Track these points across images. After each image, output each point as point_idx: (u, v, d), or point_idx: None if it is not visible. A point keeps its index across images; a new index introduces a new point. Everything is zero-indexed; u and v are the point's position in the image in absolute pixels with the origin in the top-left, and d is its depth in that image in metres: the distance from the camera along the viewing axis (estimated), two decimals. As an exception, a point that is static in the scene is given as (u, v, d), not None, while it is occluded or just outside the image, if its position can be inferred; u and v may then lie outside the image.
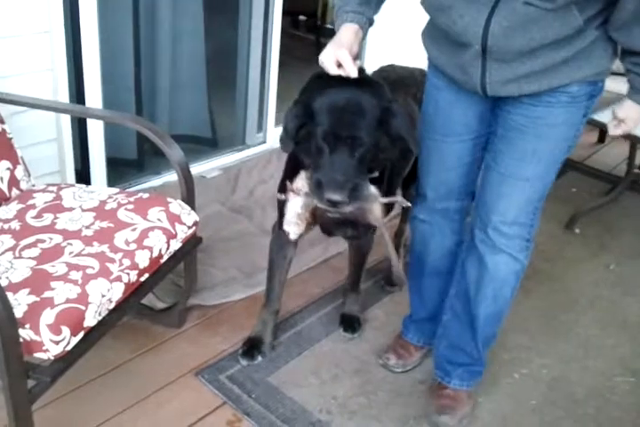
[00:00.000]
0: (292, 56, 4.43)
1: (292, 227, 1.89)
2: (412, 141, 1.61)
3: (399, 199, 1.73)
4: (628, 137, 2.94)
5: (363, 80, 1.56)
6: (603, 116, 2.26)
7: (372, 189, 1.62)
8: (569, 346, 2.26)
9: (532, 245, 1.77)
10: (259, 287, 2.29)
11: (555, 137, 1.61)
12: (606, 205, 3.23)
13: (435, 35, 1.63)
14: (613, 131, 1.67)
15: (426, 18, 1.65)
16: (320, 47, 5.38)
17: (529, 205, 1.69)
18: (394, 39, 3.61)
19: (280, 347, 2.09)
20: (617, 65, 1.64)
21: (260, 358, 2.03)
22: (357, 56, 1.56)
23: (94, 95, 2.43)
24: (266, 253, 2.33)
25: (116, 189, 1.92)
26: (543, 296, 2.41)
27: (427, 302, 2.04)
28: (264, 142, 3.35)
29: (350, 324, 2.20)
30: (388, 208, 1.80)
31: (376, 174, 1.67)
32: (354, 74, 1.51)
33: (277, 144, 3.33)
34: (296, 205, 1.80)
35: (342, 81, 1.53)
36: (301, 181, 1.70)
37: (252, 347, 2.03)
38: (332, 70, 1.51)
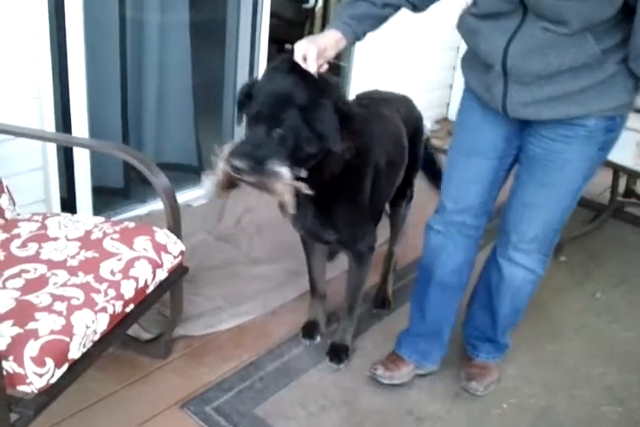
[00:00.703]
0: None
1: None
2: (331, 139, 1.68)
3: (300, 185, 1.73)
4: (610, 165, 2.98)
5: (315, 77, 1.66)
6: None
7: (283, 169, 1.65)
8: (556, 375, 2.25)
9: (549, 258, 1.94)
10: (245, 317, 2.28)
11: (571, 170, 1.74)
12: (591, 232, 3.26)
13: (467, 57, 1.80)
14: (638, 161, 1.77)
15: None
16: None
17: (547, 226, 1.85)
18: (379, 67, 3.67)
19: (267, 378, 2.06)
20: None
21: (319, 339, 2.24)
22: (334, 61, 1.72)
23: (81, 123, 2.43)
24: (252, 281, 2.36)
25: (101, 218, 1.91)
26: (530, 325, 2.41)
27: (427, 316, 2.07)
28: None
29: (337, 354, 2.18)
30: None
31: (303, 173, 1.73)
32: (312, 69, 1.62)
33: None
34: (220, 168, 1.79)
35: (290, 69, 1.65)
36: (227, 148, 1.73)
37: (310, 329, 2.25)
38: (298, 61, 1.63)
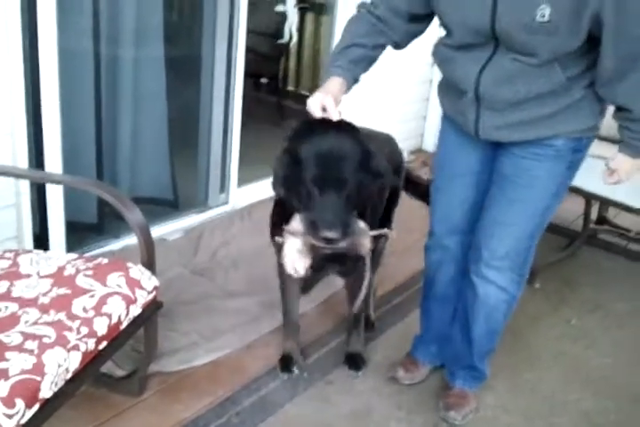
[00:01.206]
0: (254, 118, 4.49)
1: (298, 263, 1.90)
2: (388, 176, 1.81)
3: (386, 231, 1.90)
4: (582, 193, 3.03)
5: (342, 125, 1.73)
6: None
7: (362, 224, 1.74)
8: (534, 403, 2.25)
9: (524, 278, 1.98)
10: (220, 352, 2.26)
11: (539, 187, 1.81)
12: (565, 259, 3.30)
13: (443, 84, 1.91)
14: (607, 180, 1.84)
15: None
16: (281, 109, 5.58)
17: (519, 243, 1.89)
18: (356, 100, 3.72)
19: (243, 413, 2.04)
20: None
21: (296, 371, 2.23)
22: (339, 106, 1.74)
23: (54, 159, 2.43)
24: (227, 315, 2.34)
25: (74, 255, 1.90)
26: (507, 353, 2.42)
27: (433, 324, 2.23)
28: (226, 203, 3.36)
29: (355, 362, 2.27)
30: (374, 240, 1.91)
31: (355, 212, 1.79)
32: (336, 117, 1.69)
33: (240, 205, 3.39)
34: (296, 245, 1.83)
35: (324, 128, 1.70)
36: (296, 223, 1.77)
37: (287, 363, 2.24)
38: (317, 113, 1.70)
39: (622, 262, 3.37)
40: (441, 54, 1.81)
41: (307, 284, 2.34)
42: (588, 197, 3.18)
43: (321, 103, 1.69)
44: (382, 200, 2.18)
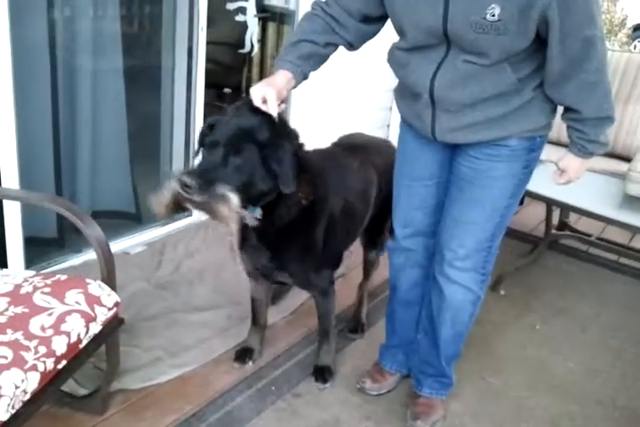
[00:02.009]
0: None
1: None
2: (282, 179, 1.76)
3: (247, 213, 1.84)
4: (543, 199, 3.08)
5: (265, 117, 1.71)
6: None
7: (231, 195, 1.68)
8: (501, 409, 2.26)
9: (487, 278, 2.00)
10: (185, 367, 2.22)
11: (497, 187, 1.83)
12: (528, 265, 3.33)
13: (399, 89, 1.93)
14: (558, 180, 1.90)
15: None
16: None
17: (479, 243, 1.90)
18: (318, 108, 3.72)
19: (210, 429, 2.01)
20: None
21: (250, 363, 2.28)
22: (284, 101, 1.75)
23: (10, 174, 2.37)
24: (192, 329, 2.31)
25: (32, 272, 1.86)
26: (473, 360, 2.43)
27: (397, 330, 2.24)
28: (190, 215, 3.31)
29: (322, 374, 2.26)
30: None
31: (258, 213, 1.82)
32: (273, 112, 1.69)
33: (204, 217, 3.35)
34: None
35: (247, 109, 1.72)
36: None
37: (243, 354, 2.29)
38: (257, 104, 1.69)
39: (584, 267, 3.43)
40: (395, 58, 1.83)
41: (274, 294, 2.34)
42: (549, 203, 3.23)
43: (262, 95, 1.69)
44: (364, 211, 2.24)
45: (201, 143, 1.80)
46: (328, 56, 1.84)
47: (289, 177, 1.76)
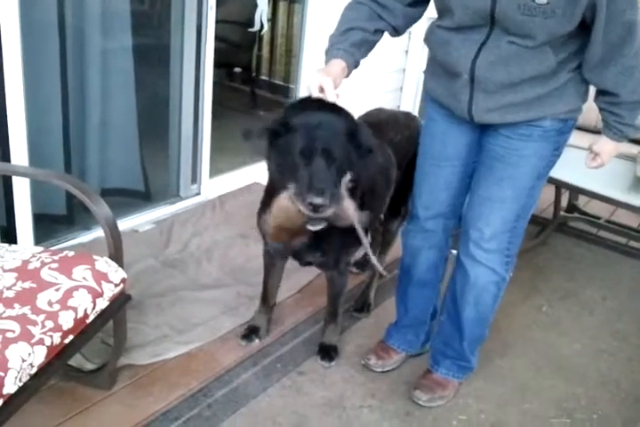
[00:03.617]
0: (228, 107, 4.47)
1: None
2: (375, 152, 1.83)
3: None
4: (552, 181, 3.05)
5: (334, 107, 1.73)
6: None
7: (344, 192, 1.74)
8: (506, 390, 2.27)
9: (513, 260, 2.01)
10: (192, 344, 2.24)
11: (527, 166, 1.86)
12: (537, 247, 3.32)
13: (433, 69, 1.92)
14: (590, 164, 1.95)
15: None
16: (255, 98, 5.52)
17: (505, 223, 1.92)
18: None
19: (215, 405, 2.03)
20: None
21: (257, 341, 2.30)
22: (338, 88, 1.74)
23: (20, 151, 2.39)
24: (200, 307, 2.31)
25: (40, 248, 1.87)
26: (479, 341, 2.43)
27: (411, 310, 2.25)
28: (198, 194, 3.33)
29: (327, 353, 2.28)
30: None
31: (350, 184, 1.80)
32: (333, 99, 1.70)
33: (212, 196, 3.36)
34: (284, 210, 1.82)
35: (317, 105, 1.72)
36: (284, 197, 1.78)
37: (250, 332, 2.32)
38: (315, 93, 1.71)
39: (592, 250, 3.41)
40: (436, 37, 1.83)
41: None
42: (559, 186, 3.20)
43: (319, 84, 1.69)
44: (386, 189, 2.24)
45: (272, 138, 1.77)
46: (376, 43, 1.85)
47: (377, 149, 1.84)
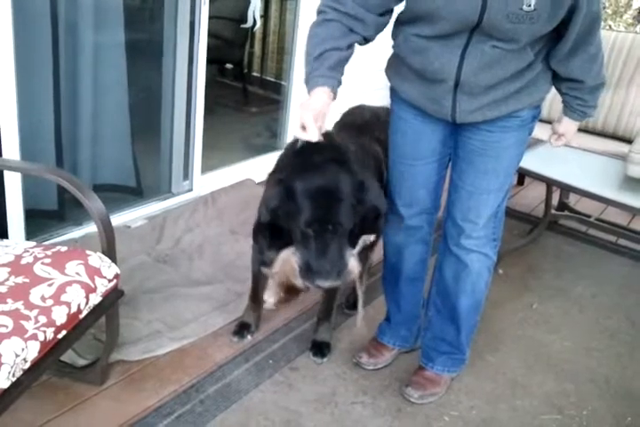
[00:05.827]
0: (220, 103, 4.47)
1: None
2: (382, 208, 1.87)
3: (364, 238, 1.89)
4: (544, 179, 3.07)
5: (331, 148, 1.75)
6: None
7: (353, 261, 1.75)
8: (496, 386, 2.28)
9: (498, 243, 2.07)
10: (184, 340, 2.24)
11: (509, 155, 1.91)
12: (527, 245, 3.34)
13: (404, 73, 1.88)
14: (556, 143, 2.08)
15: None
16: (247, 94, 5.48)
17: (492, 210, 1.97)
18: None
19: (207, 401, 2.03)
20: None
21: (249, 337, 2.31)
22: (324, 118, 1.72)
23: (11, 146, 2.37)
24: (192, 303, 2.31)
25: (32, 243, 1.86)
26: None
27: (403, 307, 2.27)
28: (190, 190, 3.32)
29: (320, 349, 2.29)
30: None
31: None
32: (314, 138, 1.66)
33: (204, 192, 3.35)
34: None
35: (315, 152, 1.73)
36: (287, 253, 1.79)
37: (241, 328, 2.32)
38: (298, 134, 1.69)
39: (582, 248, 3.43)
40: (411, 44, 1.79)
41: None
42: (550, 184, 3.22)
43: (300, 122, 1.68)
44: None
45: (275, 214, 1.77)
46: (351, 56, 1.80)
47: (383, 201, 1.89)
